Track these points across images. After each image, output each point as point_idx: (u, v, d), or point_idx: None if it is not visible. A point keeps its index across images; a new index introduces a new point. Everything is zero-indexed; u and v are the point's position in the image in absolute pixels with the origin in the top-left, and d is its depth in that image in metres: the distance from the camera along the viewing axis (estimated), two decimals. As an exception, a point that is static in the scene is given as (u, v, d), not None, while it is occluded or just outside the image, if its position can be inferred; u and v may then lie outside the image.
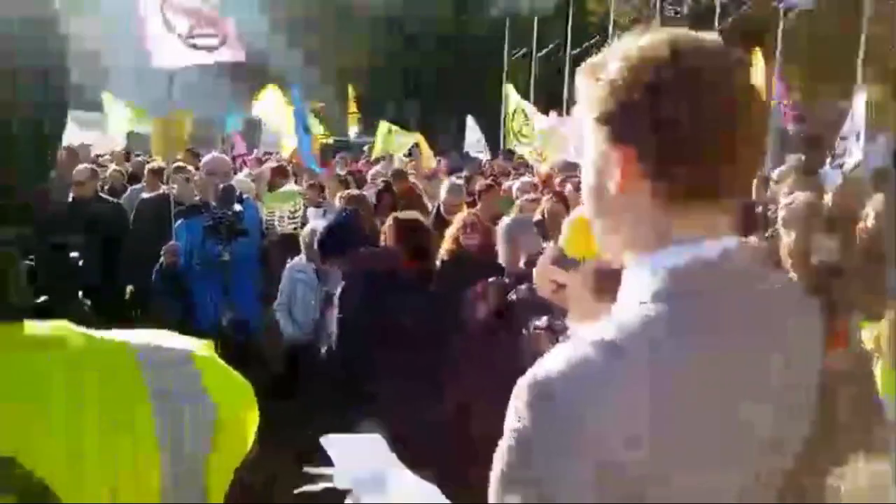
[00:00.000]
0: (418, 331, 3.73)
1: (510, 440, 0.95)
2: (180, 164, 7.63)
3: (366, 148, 18.13)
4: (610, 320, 1.00)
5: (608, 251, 1.13)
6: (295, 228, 6.55)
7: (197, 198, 6.15)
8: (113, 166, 10.54)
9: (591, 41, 28.31)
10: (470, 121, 17.85)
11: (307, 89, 16.01)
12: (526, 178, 9.70)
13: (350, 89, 20.73)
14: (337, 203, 6.39)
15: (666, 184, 1.01)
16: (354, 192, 6.85)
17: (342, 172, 10.01)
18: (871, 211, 4.25)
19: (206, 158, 6.81)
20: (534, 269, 1.79)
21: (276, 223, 6.73)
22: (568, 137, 12.03)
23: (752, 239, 3.81)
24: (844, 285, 2.98)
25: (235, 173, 8.06)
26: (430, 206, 7.38)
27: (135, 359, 0.84)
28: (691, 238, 1.02)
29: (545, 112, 15.45)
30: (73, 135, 11.29)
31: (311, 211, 7.18)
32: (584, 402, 0.91)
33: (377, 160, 14.58)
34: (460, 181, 8.11)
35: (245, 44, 8.51)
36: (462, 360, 3.68)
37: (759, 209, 6.42)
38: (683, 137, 0.99)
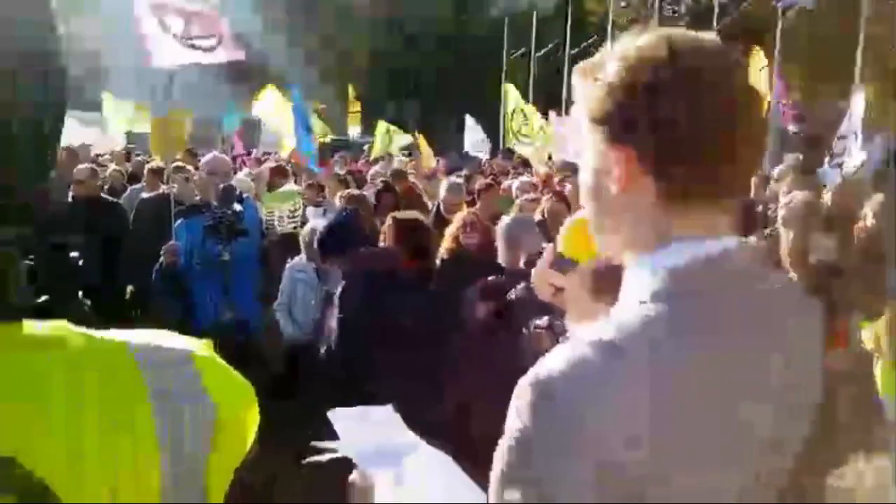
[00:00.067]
0: (418, 330, 3.73)
1: (510, 440, 0.95)
2: (179, 163, 7.63)
3: (366, 147, 18.14)
4: (610, 320, 1.00)
5: (608, 251, 1.13)
6: (294, 228, 6.54)
7: (197, 197, 6.16)
8: (113, 166, 10.53)
9: (590, 41, 28.32)
10: (469, 121, 17.84)
11: (307, 89, 16.01)
12: (525, 178, 9.71)
13: (350, 89, 20.73)
14: (337, 202, 6.39)
15: (665, 183, 1.01)
16: (354, 191, 6.85)
17: (341, 172, 10.00)
18: (869, 210, 4.25)
19: (206, 158, 6.82)
20: (533, 270, 1.79)
21: (276, 223, 6.73)
22: (567, 137, 12.03)
23: (752, 239, 3.81)
24: (844, 285, 2.98)
25: (235, 173, 8.06)
26: (429, 205, 7.38)
27: (134, 359, 0.84)
28: (691, 238, 1.02)
29: (544, 112, 15.45)
30: (73, 134, 11.28)
31: (310, 210, 7.18)
32: (584, 402, 0.92)
33: (376, 160, 14.59)
34: (460, 180, 8.12)
35: (244, 44, 8.51)
36: (462, 359, 3.68)
37: (759, 208, 6.43)
38: (682, 137, 0.99)
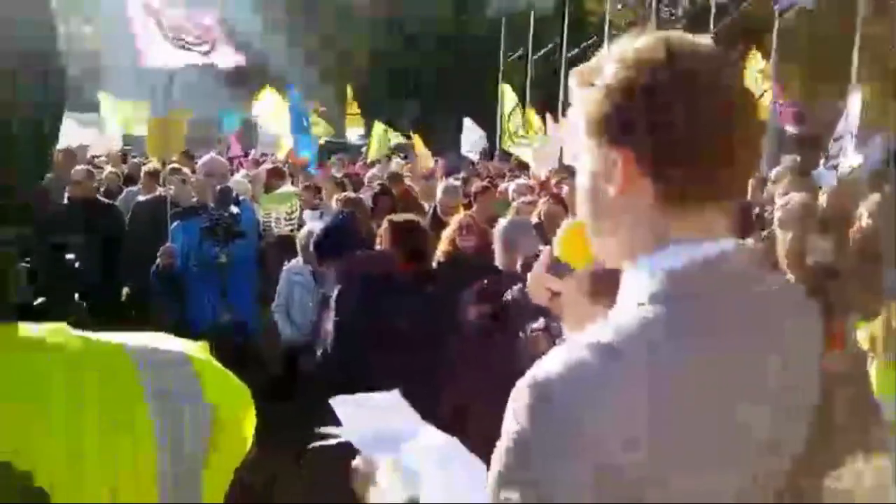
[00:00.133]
0: (415, 333, 3.73)
1: (508, 442, 0.95)
2: (176, 165, 7.62)
3: (363, 150, 18.11)
4: (607, 322, 1.00)
5: (605, 254, 1.13)
6: (291, 230, 6.54)
7: (194, 199, 6.15)
8: (109, 168, 10.51)
9: (588, 42, 28.31)
10: (468, 122, 17.82)
11: (307, 89, 15.99)
12: (522, 180, 9.70)
13: (349, 89, 20.69)
14: (333, 205, 6.39)
15: (663, 185, 1.02)
16: (351, 194, 6.85)
17: (338, 174, 10.00)
18: (864, 211, 4.25)
19: (203, 160, 6.81)
20: (529, 275, 1.78)
21: (273, 225, 6.73)
22: (564, 140, 12.04)
23: (749, 241, 3.81)
24: (841, 286, 2.99)
25: (232, 175, 8.05)
26: (426, 206, 7.38)
27: (132, 360, 0.85)
28: (689, 240, 1.02)
29: (541, 113, 15.46)
30: (71, 135, 11.25)
31: (307, 213, 7.18)
32: (581, 404, 0.92)
33: (373, 163, 14.57)
34: (457, 183, 8.12)
35: (243, 49, 8.50)
36: (459, 362, 3.68)
37: (756, 210, 6.44)
38: (679, 139, 0.99)
